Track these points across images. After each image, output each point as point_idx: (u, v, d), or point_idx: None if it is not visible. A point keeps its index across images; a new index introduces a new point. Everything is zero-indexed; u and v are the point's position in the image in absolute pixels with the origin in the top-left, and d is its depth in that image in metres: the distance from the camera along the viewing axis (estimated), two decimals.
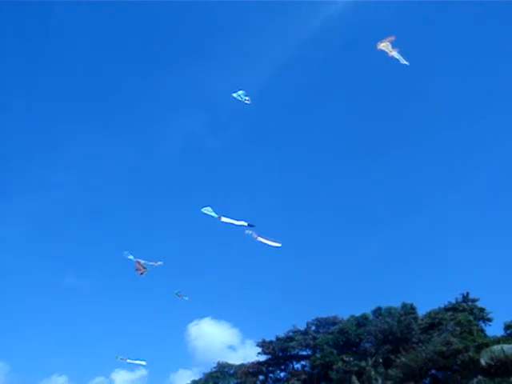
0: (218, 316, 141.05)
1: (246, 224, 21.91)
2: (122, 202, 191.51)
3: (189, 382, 73.60)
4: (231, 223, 21.86)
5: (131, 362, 37.30)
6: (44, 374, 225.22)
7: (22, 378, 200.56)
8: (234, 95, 21.53)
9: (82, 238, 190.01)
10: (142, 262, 26.46)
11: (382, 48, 19.76)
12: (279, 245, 22.82)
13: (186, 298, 31.22)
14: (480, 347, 44.30)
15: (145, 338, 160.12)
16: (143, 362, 38.08)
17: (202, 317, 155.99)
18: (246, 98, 21.45)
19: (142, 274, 26.36)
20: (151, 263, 26.59)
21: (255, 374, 63.41)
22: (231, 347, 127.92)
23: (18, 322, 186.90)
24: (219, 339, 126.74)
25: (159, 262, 26.71)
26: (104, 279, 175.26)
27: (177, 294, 30.55)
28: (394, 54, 19.96)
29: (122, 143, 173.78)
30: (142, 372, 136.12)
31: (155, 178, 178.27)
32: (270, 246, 22.57)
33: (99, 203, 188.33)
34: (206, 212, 21.55)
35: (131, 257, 26.56)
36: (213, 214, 21.57)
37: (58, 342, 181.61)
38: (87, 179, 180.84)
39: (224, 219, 21.80)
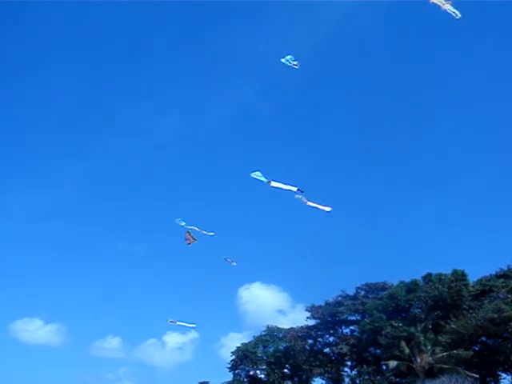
0: (268, 280, 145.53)
1: (295, 189, 21.99)
2: (173, 167, 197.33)
3: (239, 344, 78.07)
4: (281, 188, 21.98)
5: (181, 324, 40.03)
6: (99, 335, 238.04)
7: (78, 339, 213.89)
8: (283, 60, 21.65)
9: (135, 203, 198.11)
10: (196, 229, 27.78)
11: (435, 1, 19.75)
12: (329, 209, 22.97)
13: (234, 264, 32.22)
14: None
15: (196, 301, 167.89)
16: (193, 325, 40.87)
17: (252, 281, 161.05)
18: (295, 63, 21.63)
19: (189, 243, 28.25)
20: (203, 232, 27.82)
21: (304, 338, 66.74)
22: (281, 311, 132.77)
23: (75, 285, 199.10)
24: (269, 303, 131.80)
25: (211, 232, 28.00)
26: (156, 244, 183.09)
27: (225, 259, 31.49)
28: (447, 7, 19.81)
29: (174, 109, 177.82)
30: (194, 335, 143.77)
31: (206, 144, 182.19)
32: (320, 210, 22.68)
33: (152, 169, 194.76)
34: (255, 177, 21.81)
35: (183, 223, 27.77)
36: (262, 178, 21.81)
37: (112, 304, 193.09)
38: (141, 145, 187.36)
39: (273, 184, 22.00)
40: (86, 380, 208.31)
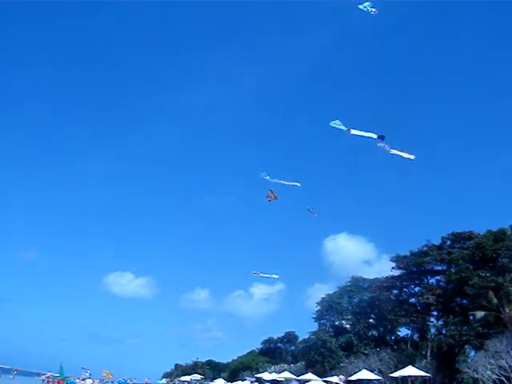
0: (353, 231, 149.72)
1: (375, 136, 22.28)
2: (257, 120, 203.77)
3: (324, 295, 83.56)
4: (361, 135, 22.31)
5: (265, 275, 44.24)
6: (188, 287, 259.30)
7: (168, 291, 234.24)
8: (360, 7, 22.00)
9: (221, 157, 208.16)
10: (282, 181, 29.08)
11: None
12: (413, 157, 23.21)
13: (316, 215, 33.79)
14: None
15: (282, 253, 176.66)
16: (276, 276, 44.98)
17: (338, 232, 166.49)
18: (372, 9, 21.86)
19: (270, 200, 31.36)
20: (289, 183, 29.13)
21: (389, 289, 70.14)
22: (367, 262, 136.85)
23: (165, 240, 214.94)
24: (355, 254, 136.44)
25: (297, 183, 29.30)
26: (242, 197, 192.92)
27: (308, 210, 32.80)
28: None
29: (255, 61, 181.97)
30: (280, 286, 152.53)
31: (288, 95, 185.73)
32: (404, 158, 23.09)
33: (235, 122, 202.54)
34: (334, 126, 22.13)
35: (268, 177, 28.81)
36: (342, 127, 22.06)
37: (200, 258, 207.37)
38: (224, 98, 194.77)
39: (353, 132, 22.24)
40: (176, 330, 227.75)
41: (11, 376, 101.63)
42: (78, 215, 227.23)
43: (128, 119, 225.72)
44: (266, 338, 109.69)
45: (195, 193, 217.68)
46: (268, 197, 29.21)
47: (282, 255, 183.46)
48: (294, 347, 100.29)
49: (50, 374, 66.41)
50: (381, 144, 22.38)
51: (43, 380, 65.36)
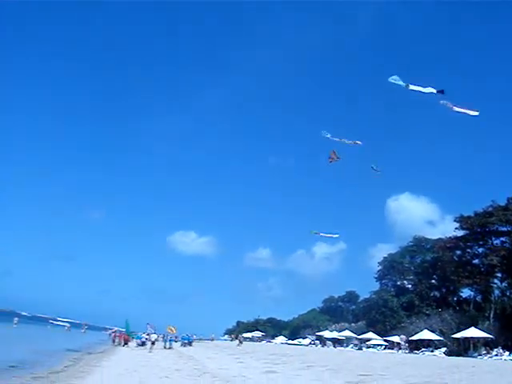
0: (416, 191, 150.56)
1: (435, 91, 22.01)
2: (319, 81, 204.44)
3: (385, 255, 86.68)
4: (419, 91, 22.05)
5: (325, 235, 46.25)
6: (250, 246, 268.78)
7: (230, 250, 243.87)
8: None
9: (286, 117, 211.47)
10: (344, 140, 29.30)
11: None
12: (477, 113, 22.77)
13: (380, 173, 33.69)
14: None
15: (345, 213, 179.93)
16: (336, 235, 46.97)
17: (400, 192, 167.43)
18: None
19: (331, 161, 33.38)
20: (350, 142, 29.44)
21: (452, 249, 72.01)
22: (429, 222, 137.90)
23: (227, 200, 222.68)
24: (418, 214, 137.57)
25: (358, 142, 29.75)
26: (305, 158, 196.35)
27: (372, 167, 32.65)
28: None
29: (323, 19, 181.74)
30: (341, 246, 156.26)
31: (350, 52, 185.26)
32: (467, 115, 22.59)
33: (299, 84, 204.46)
34: (393, 81, 21.94)
35: (328, 135, 29.22)
36: (400, 82, 21.90)
37: (263, 217, 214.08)
38: (289, 60, 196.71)
39: (412, 87, 22.06)
40: (238, 289, 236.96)
41: (82, 330, 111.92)
42: (143, 175, 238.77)
43: (194, 81, 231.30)
44: (326, 296, 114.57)
45: (259, 154, 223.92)
46: (330, 158, 29.87)
47: (345, 215, 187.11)
48: (354, 306, 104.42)
49: (116, 328, 73.47)
50: (443, 102, 22.10)
51: (109, 334, 72.54)
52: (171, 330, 68.24)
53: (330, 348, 67.72)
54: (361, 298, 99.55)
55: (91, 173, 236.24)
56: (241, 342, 69.60)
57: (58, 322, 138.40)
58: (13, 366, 21.82)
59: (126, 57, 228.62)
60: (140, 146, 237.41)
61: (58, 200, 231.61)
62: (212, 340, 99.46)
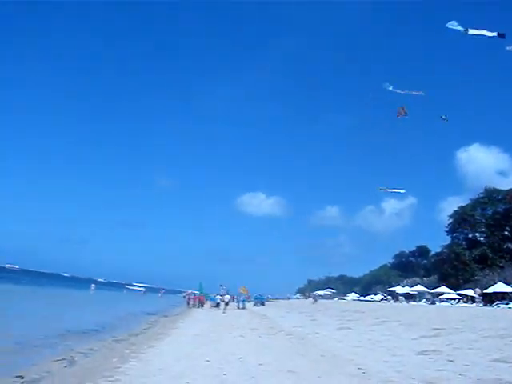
0: (487, 141, 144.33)
1: (495, 34, 20.91)
2: (378, 33, 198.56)
3: (456, 208, 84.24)
4: (480, 35, 20.99)
5: (392, 191, 45.60)
6: (318, 205, 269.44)
7: (298, 210, 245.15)
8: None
9: (343, 71, 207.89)
10: (406, 91, 28.88)
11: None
12: None
13: (448, 121, 33.26)
14: None
15: (413, 167, 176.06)
16: (403, 191, 46.25)
17: (470, 143, 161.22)
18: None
19: (399, 116, 32.74)
20: (413, 92, 29.12)
21: None
22: (501, 173, 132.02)
23: (293, 160, 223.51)
24: (488, 165, 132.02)
25: (420, 92, 29.50)
26: (364, 114, 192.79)
27: (441, 117, 32.12)
28: None
29: None
30: (411, 200, 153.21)
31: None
32: None
33: (359, 38, 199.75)
34: (451, 27, 21.14)
35: (391, 87, 28.88)
36: (458, 27, 21.01)
37: (329, 175, 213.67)
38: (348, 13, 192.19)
39: (472, 31, 21.02)
40: (308, 247, 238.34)
41: (160, 294, 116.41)
42: (210, 142, 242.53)
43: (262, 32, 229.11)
44: (397, 252, 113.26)
45: (323, 112, 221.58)
46: (398, 113, 29.48)
47: (414, 169, 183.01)
48: (425, 261, 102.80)
49: (190, 291, 75.90)
50: (510, 47, 21.21)
51: (184, 297, 75.11)
52: (244, 290, 69.93)
53: (402, 303, 67.19)
54: (432, 253, 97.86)
55: (159, 141, 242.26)
56: (316, 300, 70.15)
57: (134, 287, 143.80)
58: (95, 330, 23.05)
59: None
60: (204, 110, 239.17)
61: (127, 168, 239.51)
62: (288, 299, 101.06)
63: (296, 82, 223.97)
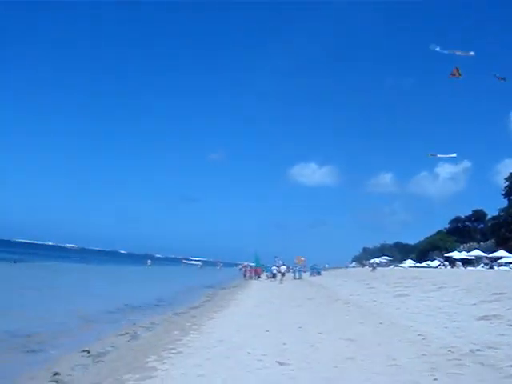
0: None
1: None
2: None
3: None
4: None
5: (443, 156, 44.32)
6: (371, 172, 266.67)
7: (351, 178, 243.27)
8: None
9: (401, 37, 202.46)
10: (456, 52, 27.26)
11: None
12: None
13: (504, 81, 31.15)
14: None
15: (467, 130, 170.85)
16: (453, 155, 45.07)
17: None
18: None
19: (453, 76, 31.50)
20: (461, 53, 27.37)
21: None
22: None
23: (346, 127, 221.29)
24: None
25: (470, 52, 27.72)
26: (424, 77, 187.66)
27: (495, 76, 30.77)
28: None
29: None
30: (465, 164, 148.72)
31: None
32: None
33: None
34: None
35: (437, 49, 27.28)
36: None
37: (382, 142, 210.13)
38: None
39: None
40: (362, 216, 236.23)
41: (218, 267, 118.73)
42: (257, 116, 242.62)
43: None
44: (452, 217, 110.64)
45: (374, 76, 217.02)
46: (452, 74, 27.97)
47: (467, 132, 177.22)
48: (482, 225, 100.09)
49: (246, 263, 76.73)
50: None
51: (240, 269, 76.07)
52: (300, 260, 70.01)
53: (459, 269, 65.86)
54: (488, 217, 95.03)
55: (208, 116, 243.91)
56: (374, 268, 69.40)
57: (191, 262, 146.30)
58: (155, 304, 23.66)
59: None
60: (253, 83, 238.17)
61: (179, 143, 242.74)
62: (346, 268, 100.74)
63: (345, 45, 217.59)
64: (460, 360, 9.25)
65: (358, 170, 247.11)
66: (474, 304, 18.12)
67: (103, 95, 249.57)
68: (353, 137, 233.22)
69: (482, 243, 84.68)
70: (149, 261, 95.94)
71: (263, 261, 68.40)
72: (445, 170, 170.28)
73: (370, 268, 72.49)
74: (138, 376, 7.99)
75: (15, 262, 53.38)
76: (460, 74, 28.02)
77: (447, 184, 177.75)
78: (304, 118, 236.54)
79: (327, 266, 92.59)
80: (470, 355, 9.69)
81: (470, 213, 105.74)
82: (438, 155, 41.61)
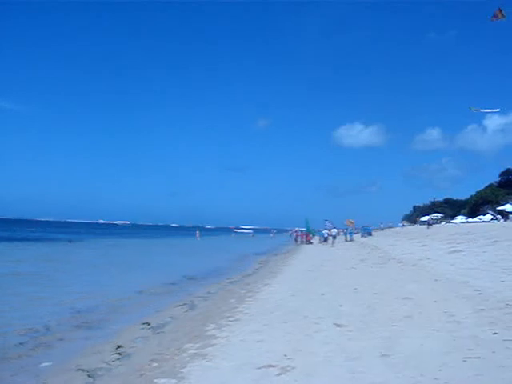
0: None
1: None
2: None
3: None
4: None
5: (486, 111, 43.21)
6: (418, 128, 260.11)
7: (398, 136, 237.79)
8: None
9: None
10: None
11: None
12: None
13: None
14: None
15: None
16: (496, 109, 43.66)
17: None
18: None
19: (495, 19, 29.95)
20: None
21: None
22: None
23: (387, 85, 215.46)
24: None
25: None
26: (466, 31, 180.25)
27: None
28: None
29: None
30: None
31: None
32: None
33: None
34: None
35: None
36: None
37: (426, 97, 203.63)
38: None
39: None
40: (411, 173, 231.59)
41: (271, 235, 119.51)
42: (304, 83, 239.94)
43: None
44: (503, 169, 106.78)
45: (414, 31, 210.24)
46: (494, 16, 26.27)
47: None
48: None
49: (296, 229, 76.70)
50: None
51: (291, 235, 76.18)
52: (350, 222, 69.36)
53: None
54: None
55: (254, 85, 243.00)
56: (430, 225, 67.66)
57: (242, 231, 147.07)
58: (210, 274, 23.57)
59: None
60: (294, 59, 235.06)
61: (227, 113, 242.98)
62: (403, 226, 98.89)
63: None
64: None
65: (404, 128, 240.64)
66: None
67: (145, 65, 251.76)
68: (397, 94, 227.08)
69: None
70: (197, 232, 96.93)
71: (314, 225, 68.24)
72: (493, 121, 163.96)
73: (426, 225, 70.86)
74: (198, 345, 8.10)
75: (70, 242, 54.71)
76: (504, 16, 26.14)
77: (496, 136, 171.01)
78: (346, 79, 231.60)
79: (382, 225, 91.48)
80: None
81: None
82: (482, 110, 40.58)
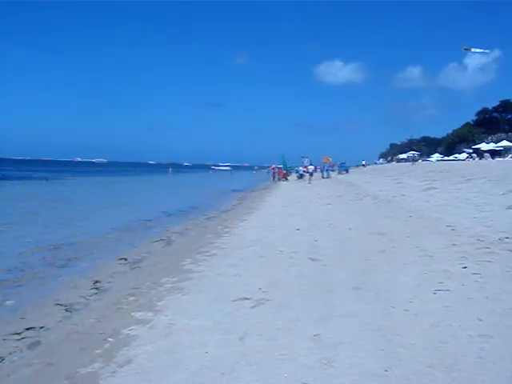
0: None
1: None
2: None
3: None
4: None
5: (476, 51, 43.08)
6: (399, 66, 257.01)
7: (379, 74, 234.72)
8: None
9: None
10: None
11: None
12: None
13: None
14: None
15: (498, 17, 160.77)
16: (487, 50, 43.77)
17: None
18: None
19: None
20: None
21: None
22: None
23: (370, 23, 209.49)
24: None
25: None
26: None
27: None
28: None
29: None
30: (496, 53, 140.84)
31: None
32: None
33: None
34: None
35: None
36: None
37: (409, 33, 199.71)
38: None
39: None
40: (389, 112, 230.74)
41: (254, 171, 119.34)
42: (281, 18, 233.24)
43: None
44: (479, 108, 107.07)
45: None
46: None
47: (498, 19, 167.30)
48: (510, 116, 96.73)
49: (274, 165, 76.48)
50: None
51: (268, 171, 76.03)
52: (327, 159, 69.28)
53: (487, 160, 64.55)
54: None
55: (234, 20, 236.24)
56: (414, 162, 67.46)
57: (220, 168, 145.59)
58: (186, 211, 22.88)
59: None
60: None
61: (202, 48, 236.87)
62: (387, 162, 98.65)
63: None
64: (489, 248, 9.15)
65: (385, 65, 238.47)
66: (503, 194, 17.81)
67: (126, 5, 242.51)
68: (377, 30, 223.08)
69: (510, 134, 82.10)
70: (170, 169, 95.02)
71: (291, 162, 67.88)
72: (474, 60, 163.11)
73: (410, 162, 71.12)
74: (174, 279, 8.12)
75: (47, 180, 53.57)
76: None
77: (476, 75, 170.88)
78: (326, 15, 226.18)
79: (364, 162, 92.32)
80: (499, 243, 9.57)
81: (498, 103, 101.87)
82: (472, 49, 40.51)
